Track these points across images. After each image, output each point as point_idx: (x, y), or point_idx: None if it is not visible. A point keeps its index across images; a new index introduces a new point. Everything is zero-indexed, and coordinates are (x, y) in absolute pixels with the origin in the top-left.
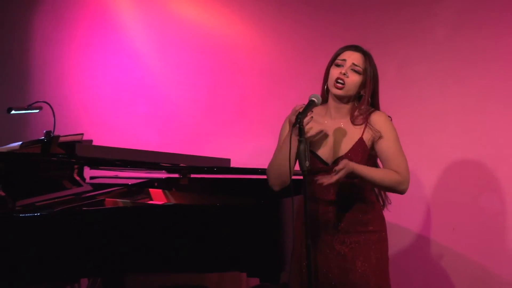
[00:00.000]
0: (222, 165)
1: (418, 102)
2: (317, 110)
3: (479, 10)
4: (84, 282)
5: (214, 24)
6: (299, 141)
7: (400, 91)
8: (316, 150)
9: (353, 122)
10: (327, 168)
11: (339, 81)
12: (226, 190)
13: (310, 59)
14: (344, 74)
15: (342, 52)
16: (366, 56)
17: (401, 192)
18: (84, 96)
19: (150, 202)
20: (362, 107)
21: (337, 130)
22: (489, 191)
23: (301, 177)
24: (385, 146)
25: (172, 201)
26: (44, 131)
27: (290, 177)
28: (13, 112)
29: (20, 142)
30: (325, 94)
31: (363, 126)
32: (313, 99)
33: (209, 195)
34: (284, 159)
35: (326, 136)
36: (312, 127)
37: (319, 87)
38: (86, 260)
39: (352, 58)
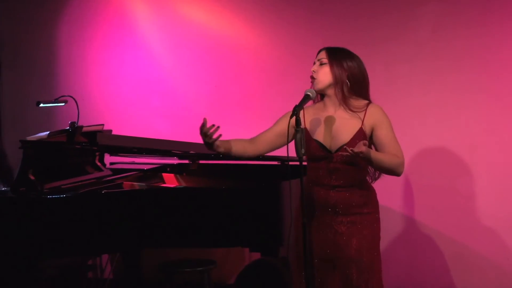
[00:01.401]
0: None
1: (402, 97)
2: (316, 106)
3: (456, 14)
4: (105, 256)
5: (220, 26)
6: (296, 131)
7: (386, 87)
8: (320, 139)
9: (349, 108)
10: (330, 155)
11: (311, 77)
12: (230, 175)
13: (305, 58)
14: (313, 71)
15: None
16: (329, 50)
17: (399, 174)
18: (105, 91)
19: (163, 185)
20: (356, 95)
21: (337, 120)
22: (464, 175)
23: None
24: (383, 134)
25: (183, 184)
26: (69, 122)
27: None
28: (41, 105)
29: (48, 132)
30: (319, 97)
31: (362, 116)
32: (308, 93)
33: (216, 179)
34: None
35: (327, 126)
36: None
37: None
38: (107, 237)
39: (318, 57)
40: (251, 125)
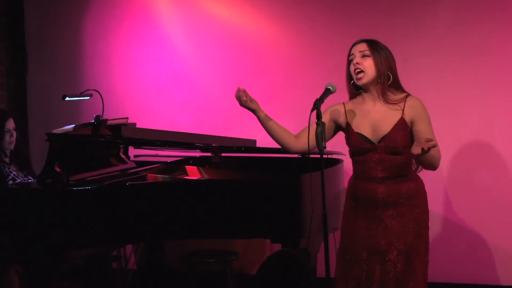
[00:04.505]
0: (249, 145)
1: (419, 91)
2: (355, 101)
3: (472, 10)
4: (129, 247)
5: (242, 22)
6: (317, 125)
7: (403, 81)
8: (362, 132)
9: (387, 100)
10: (374, 147)
11: (357, 71)
12: (252, 167)
13: (325, 53)
14: (357, 63)
15: (350, 50)
16: (370, 42)
17: (436, 168)
18: (129, 85)
19: (186, 177)
20: (391, 87)
21: (377, 112)
22: (482, 168)
23: (336, 156)
24: (423, 129)
25: (205, 176)
26: (94, 115)
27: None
28: (67, 99)
29: (73, 125)
30: (353, 90)
31: (401, 107)
32: (329, 87)
33: (238, 171)
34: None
35: (368, 119)
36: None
37: (334, 77)
38: (131, 228)
39: (358, 48)
40: (272, 116)
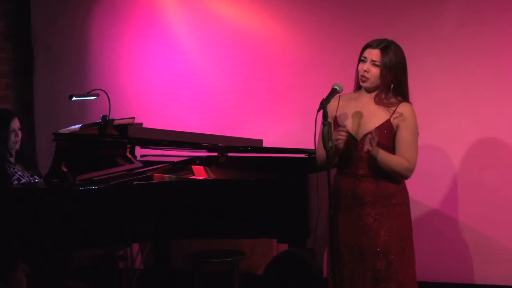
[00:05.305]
0: (256, 145)
1: (427, 91)
2: (350, 96)
3: (482, 10)
4: (136, 246)
5: (249, 21)
6: (323, 124)
7: (411, 81)
8: (348, 127)
9: (377, 103)
10: (356, 143)
11: (363, 76)
12: (259, 167)
13: (332, 53)
14: (366, 71)
15: (364, 50)
16: (384, 50)
17: (405, 178)
18: (135, 85)
19: (193, 177)
20: (389, 93)
21: (366, 110)
22: (489, 168)
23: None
24: (403, 136)
25: (212, 176)
26: (101, 115)
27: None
28: (74, 98)
29: (80, 125)
30: (358, 84)
31: (392, 110)
32: (335, 87)
33: (244, 171)
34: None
35: (356, 115)
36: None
37: (340, 77)
38: (137, 227)
39: (371, 55)
40: (279, 118)
